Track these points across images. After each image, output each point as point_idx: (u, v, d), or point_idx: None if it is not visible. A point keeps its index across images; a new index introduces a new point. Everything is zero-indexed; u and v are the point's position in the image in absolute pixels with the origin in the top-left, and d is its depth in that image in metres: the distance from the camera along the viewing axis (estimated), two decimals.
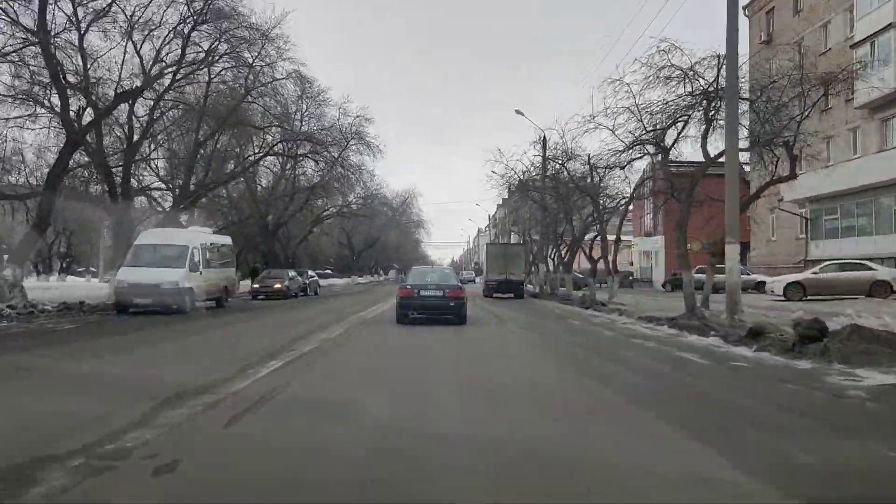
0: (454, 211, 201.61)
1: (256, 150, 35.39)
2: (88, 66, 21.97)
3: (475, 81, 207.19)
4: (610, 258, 26.48)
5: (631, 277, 59.38)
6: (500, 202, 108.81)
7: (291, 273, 34.30)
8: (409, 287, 17.29)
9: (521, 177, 33.52)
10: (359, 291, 46.57)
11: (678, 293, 41.09)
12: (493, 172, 46.26)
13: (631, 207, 34.01)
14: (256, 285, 32.39)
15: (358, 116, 40.38)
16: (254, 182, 41.69)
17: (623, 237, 35.35)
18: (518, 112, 35.98)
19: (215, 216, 44.25)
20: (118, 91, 22.03)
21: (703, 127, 18.04)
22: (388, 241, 77.70)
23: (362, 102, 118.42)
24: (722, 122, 18.43)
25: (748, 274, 36.07)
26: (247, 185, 41.71)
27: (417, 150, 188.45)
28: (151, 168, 30.71)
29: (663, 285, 47.47)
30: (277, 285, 31.98)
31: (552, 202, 33.37)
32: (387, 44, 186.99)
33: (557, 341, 13.85)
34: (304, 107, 37.41)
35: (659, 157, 21.14)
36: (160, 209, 30.93)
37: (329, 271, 78.21)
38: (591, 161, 25.27)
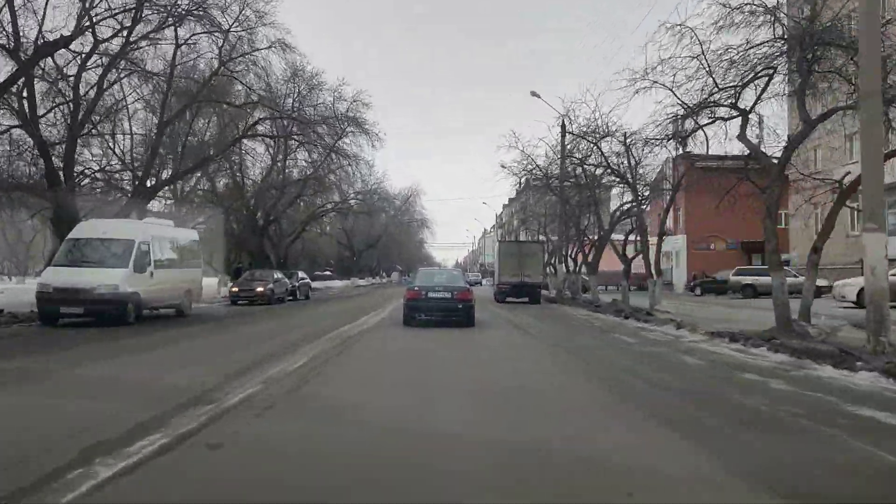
0: (458, 206, 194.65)
1: (240, 135, 30.78)
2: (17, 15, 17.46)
3: (462, 58, 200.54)
4: (652, 257, 21.84)
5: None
6: (507, 202, 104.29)
7: (277, 275, 29.73)
8: (416, 289, 16.80)
9: (539, 166, 28.97)
10: (356, 295, 42.02)
11: (710, 298, 36.23)
12: (503, 167, 42.22)
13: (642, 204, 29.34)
14: (235, 288, 27.85)
15: (355, 101, 35.86)
16: (240, 172, 37.16)
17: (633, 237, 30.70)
18: (534, 94, 31.49)
19: (197, 210, 40.00)
20: (39, 41, 17.39)
21: (798, 81, 13.42)
22: (390, 242, 73.09)
23: (354, 82, 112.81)
24: (822, 74, 13.91)
25: (795, 276, 31.45)
26: (231, 175, 37.22)
27: (405, 130, 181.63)
28: (114, 151, 26.08)
29: (691, 289, 42.69)
30: (260, 288, 27.44)
31: (575, 193, 28.76)
32: (374, 20, 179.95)
33: (618, 374, 9.21)
34: (296, 89, 32.82)
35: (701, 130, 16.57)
36: (122, 198, 26.32)
37: (328, 273, 73.71)
38: (628, 139, 20.70)
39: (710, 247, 50.84)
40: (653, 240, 23.19)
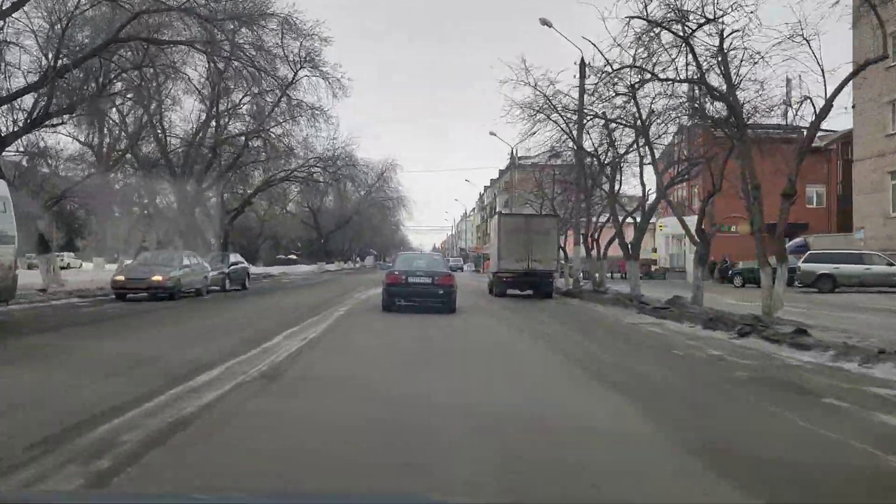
0: (437, 186, 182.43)
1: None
2: None
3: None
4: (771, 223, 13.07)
5: (654, 267, 46.89)
6: (489, 183, 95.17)
7: (189, 258, 20.42)
8: (396, 273, 15.66)
9: (556, 104, 20.24)
10: (316, 283, 32.96)
11: (756, 291, 26.81)
12: (492, 134, 33.80)
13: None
14: (120, 277, 18.69)
15: (310, 35, 26.85)
16: (160, 126, 27.82)
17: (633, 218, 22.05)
18: (545, 23, 22.92)
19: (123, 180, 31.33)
20: None
21: None
22: (363, 223, 63.77)
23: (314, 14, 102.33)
24: None
25: (892, 264, 23.11)
26: (152, 130, 27.88)
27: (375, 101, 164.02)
28: None
29: (724, 278, 34.25)
30: (157, 277, 18.29)
31: (606, 148, 20.11)
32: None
33: None
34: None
35: None
36: None
37: (293, 257, 64.59)
38: (733, 35, 11.93)
39: (732, 229, 42.50)
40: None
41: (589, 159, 21.70)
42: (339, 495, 2.68)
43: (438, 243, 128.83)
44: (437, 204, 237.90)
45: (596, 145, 21.05)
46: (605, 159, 21.11)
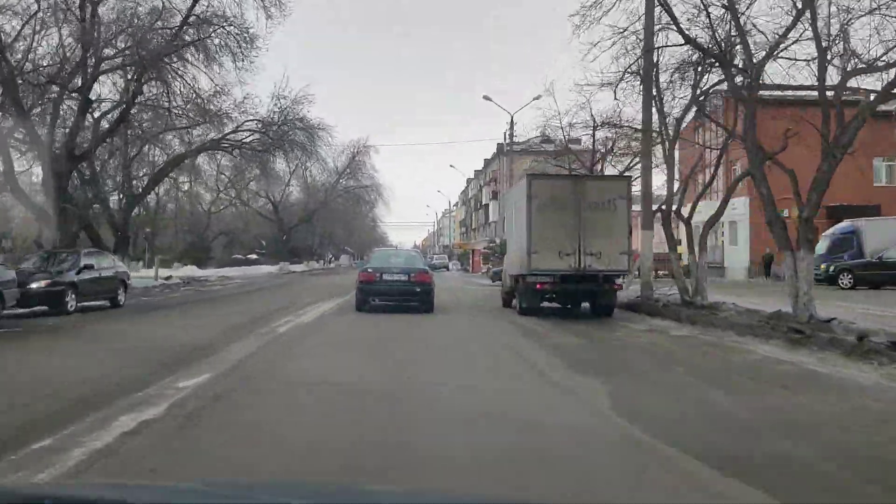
0: (418, 176, 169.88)
1: None
2: None
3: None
4: None
5: (686, 263, 37.05)
6: (473, 175, 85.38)
7: None
8: (370, 270, 14.46)
9: None
10: (254, 291, 22.82)
11: (868, 292, 14.85)
12: (487, 99, 25.05)
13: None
14: None
15: None
16: (3, 58, 17.73)
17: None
18: None
19: None
20: None
21: None
22: (333, 218, 53.72)
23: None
24: None
25: None
26: None
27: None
28: None
29: (844, 278, 23.94)
30: None
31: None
32: None
33: None
34: None
35: None
36: None
37: (253, 257, 54.51)
38: None
39: (784, 213, 33.11)
40: None
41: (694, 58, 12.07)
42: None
43: (419, 241, 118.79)
44: (419, 197, 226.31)
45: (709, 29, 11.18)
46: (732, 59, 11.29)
